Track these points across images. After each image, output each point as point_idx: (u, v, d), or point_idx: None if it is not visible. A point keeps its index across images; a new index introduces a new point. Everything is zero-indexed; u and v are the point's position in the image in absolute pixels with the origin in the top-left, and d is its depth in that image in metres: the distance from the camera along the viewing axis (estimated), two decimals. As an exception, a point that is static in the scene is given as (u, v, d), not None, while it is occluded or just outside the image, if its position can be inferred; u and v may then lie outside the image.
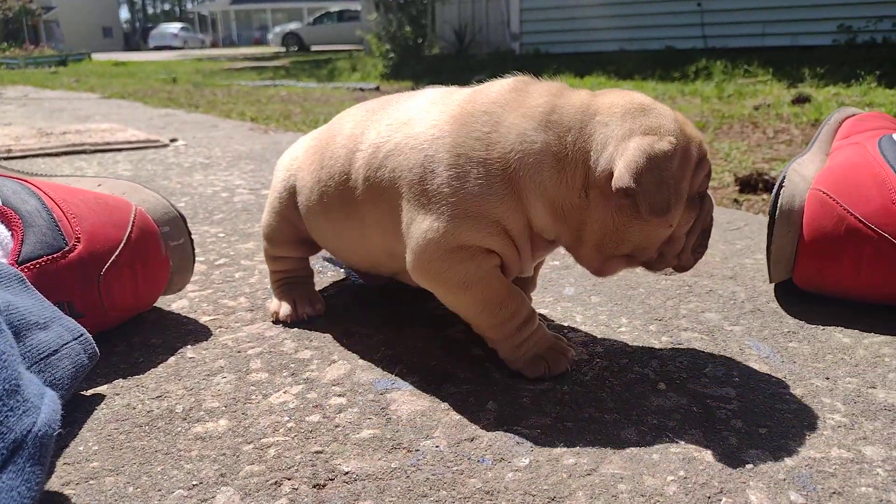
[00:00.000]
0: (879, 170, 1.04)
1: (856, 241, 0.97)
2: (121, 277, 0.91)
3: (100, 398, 0.80)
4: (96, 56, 15.76)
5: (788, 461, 0.66)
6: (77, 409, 0.77)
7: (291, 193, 0.99)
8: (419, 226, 0.78)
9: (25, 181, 0.96)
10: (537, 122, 0.76)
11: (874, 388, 0.80)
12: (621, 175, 0.71)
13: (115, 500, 0.62)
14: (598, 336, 0.95)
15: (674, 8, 7.37)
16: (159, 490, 0.63)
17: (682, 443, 0.70)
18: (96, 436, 0.72)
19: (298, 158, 1.00)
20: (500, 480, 0.64)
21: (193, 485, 0.64)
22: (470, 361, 0.88)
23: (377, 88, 7.18)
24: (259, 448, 0.70)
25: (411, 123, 0.82)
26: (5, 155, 2.50)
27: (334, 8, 21.27)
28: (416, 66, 8.15)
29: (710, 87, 5.27)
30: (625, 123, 0.74)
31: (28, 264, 0.84)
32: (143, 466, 0.67)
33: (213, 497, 0.62)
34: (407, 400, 0.79)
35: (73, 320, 0.81)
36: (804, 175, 1.11)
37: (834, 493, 0.62)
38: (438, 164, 0.77)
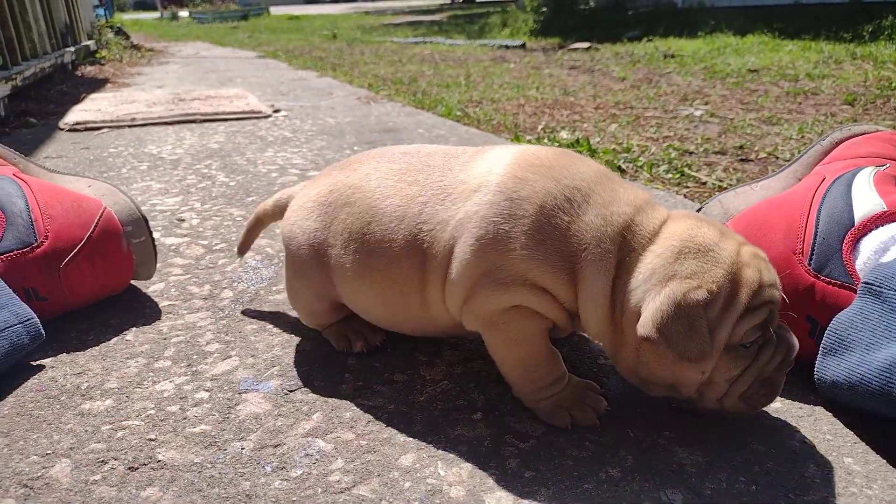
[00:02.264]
0: (800, 213, 0.98)
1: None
2: (80, 269, 1.13)
3: (39, 369, 1.02)
4: (275, 10, 17.01)
5: (524, 509, 0.72)
6: (16, 377, 1.00)
7: (320, 255, 0.96)
8: (482, 286, 0.82)
9: (24, 182, 1.20)
10: (616, 233, 0.79)
11: (666, 437, 0.80)
12: (644, 322, 0.73)
13: (-10, 457, 0.83)
14: (481, 355, 1.02)
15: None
16: (22, 454, 0.83)
17: (442, 474, 0.77)
18: (14, 401, 0.94)
19: (328, 215, 0.96)
20: (267, 487, 0.77)
21: (47, 454, 0.83)
22: (336, 371, 1.00)
23: (523, 46, 7.16)
24: (114, 429, 0.88)
25: (482, 191, 0.84)
26: (129, 123, 2.92)
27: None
28: (567, 21, 7.97)
29: (891, 50, 4.70)
30: (672, 264, 0.75)
31: (2, 256, 1.07)
32: (27, 432, 0.88)
33: (52, 465, 0.81)
34: (256, 402, 0.93)
35: (26, 307, 1.03)
36: (728, 208, 1.07)
37: (536, 547, 0.67)
38: (515, 241, 0.80)
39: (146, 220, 1.23)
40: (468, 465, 0.79)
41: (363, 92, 3.96)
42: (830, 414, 0.87)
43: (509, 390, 0.92)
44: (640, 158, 2.36)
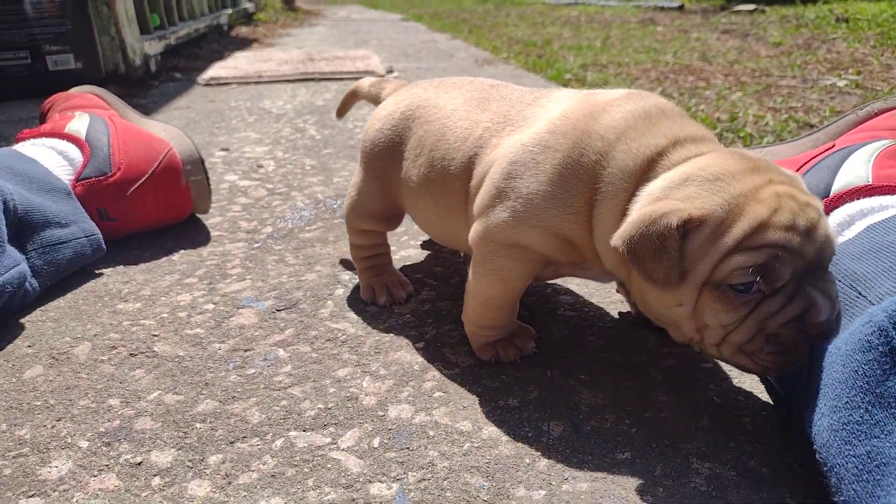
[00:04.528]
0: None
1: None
2: (144, 197, 1.38)
3: (97, 276, 1.27)
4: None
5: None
6: (78, 280, 1.25)
7: (399, 150, 1.05)
8: (498, 212, 0.85)
9: (113, 123, 1.46)
10: (637, 166, 0.78)
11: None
12: (617, 234, 0.74)
13: (38, 333, 1.07)
14: (451, 297, 1.14)
15: None
16: (60, 334, 1.07)
17: (364, 385, 0.90)
18: (71, 297, 1.19)
19: (408, 129, 1.04)
20: (224, 380, 0.94)
21: (76, 337, 1.06)
22: (321, 298, 1.15)
23: (680, 7, 6.87)
24: (133, 325, 1.10)
25: (535, 125, 0.88)
26: (255, 80, 3.25)
27: None
28: (735, -19, 7.49)
29: None
30: (670, 189, 0.74)
31: (84, 181, 1.34)
32: (70, 321, 1.12)
33: (76, 346, 1.04)
34: (247, 316, 1.11)
35: (93, 224, 1.29)
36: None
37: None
38: (541, 174, 0.83)
39: (203, 162, 1.46)
40: (389, 382, 0.92)
41: (484, 54, 4.07)
42: (756, 378, 0.89)
43: (460, 326, 1.03)
44: (747, 129, 2.28)
